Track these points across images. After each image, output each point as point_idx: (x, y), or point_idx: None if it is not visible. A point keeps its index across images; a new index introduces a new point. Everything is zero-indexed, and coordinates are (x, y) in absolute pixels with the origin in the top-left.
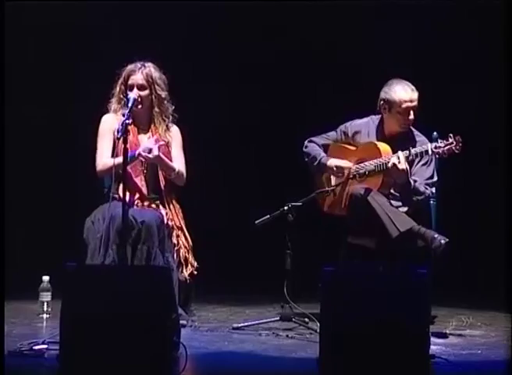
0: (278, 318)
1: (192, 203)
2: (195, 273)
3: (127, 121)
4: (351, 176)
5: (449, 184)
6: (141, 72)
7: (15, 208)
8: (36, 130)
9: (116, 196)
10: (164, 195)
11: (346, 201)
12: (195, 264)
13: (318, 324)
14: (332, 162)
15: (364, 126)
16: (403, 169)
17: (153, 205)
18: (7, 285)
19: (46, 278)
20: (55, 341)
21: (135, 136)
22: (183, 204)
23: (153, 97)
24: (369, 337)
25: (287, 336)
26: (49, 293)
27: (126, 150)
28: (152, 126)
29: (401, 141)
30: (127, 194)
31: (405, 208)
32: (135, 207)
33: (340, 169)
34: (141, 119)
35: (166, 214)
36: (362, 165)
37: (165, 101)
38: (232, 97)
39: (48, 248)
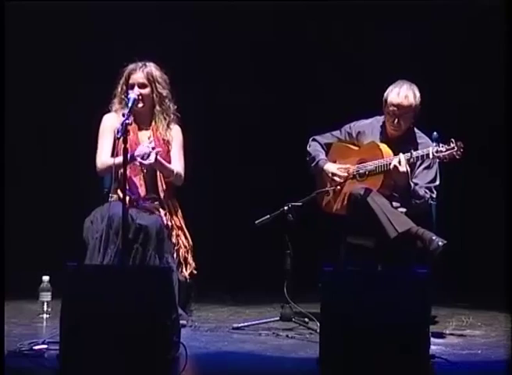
0: (278, 318)
1: (192, 203)
2: (195, 272)
3: (127, 121)
4: (351, 176)
5: (449, 184)
6: (142, 71)
7: (15, 208)
8: (36, 130)
9: (115, 196)
10: (163, 195)
11: (346, 201)
12: (193, 264)
13: (318, 324)
14: (329, 167)
15: (368, 126)
16: (403, 172)
17: (153, 205)
18: (7, 285)
19: (46, 278)
20: (55, 341)
21: (135, 134)
22: (182, 203)
23: (154, 95)
24: (369, 337)
25: (287, 336)
26: (49, 293)
27: (126, 150)
28: (153, 124)
29: (403, 143)
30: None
31: (404, 209)
32: (134, 207)
33: (336, 176)
34: (142, 117)
35: (165, 215)
36: (363, 165)
37: (167, 100)
38: (232, 96)
39: (47, 248)
